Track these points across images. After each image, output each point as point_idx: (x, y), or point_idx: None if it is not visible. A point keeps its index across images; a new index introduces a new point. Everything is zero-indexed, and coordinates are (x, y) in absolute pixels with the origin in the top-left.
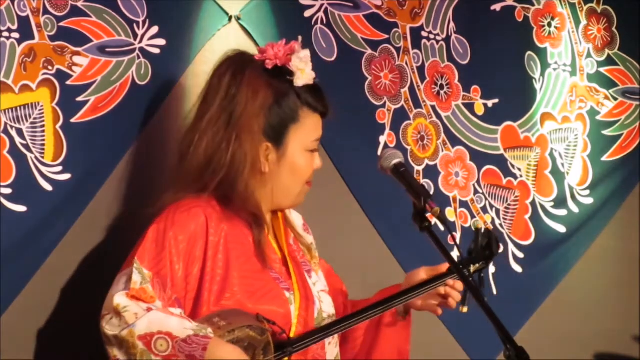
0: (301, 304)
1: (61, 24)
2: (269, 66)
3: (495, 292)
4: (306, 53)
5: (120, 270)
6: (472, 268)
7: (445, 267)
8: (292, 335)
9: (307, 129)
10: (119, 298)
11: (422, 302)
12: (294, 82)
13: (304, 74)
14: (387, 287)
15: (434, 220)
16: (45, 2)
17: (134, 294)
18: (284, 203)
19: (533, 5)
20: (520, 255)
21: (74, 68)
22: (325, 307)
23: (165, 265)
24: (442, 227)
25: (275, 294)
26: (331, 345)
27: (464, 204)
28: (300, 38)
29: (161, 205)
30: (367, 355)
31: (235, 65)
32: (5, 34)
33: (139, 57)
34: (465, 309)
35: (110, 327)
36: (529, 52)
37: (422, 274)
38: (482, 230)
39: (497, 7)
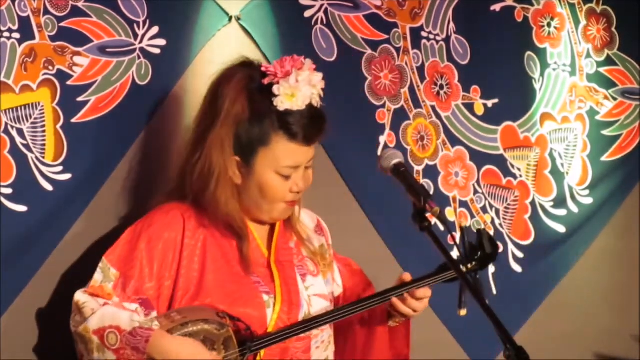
0: (282, 307)
1: (62, 24)
2: (266, 81)
3: (495, 292)
4: (306, 76)
5: None
6: (463, 269)
7: (407, 277)
8: None
9: (278, 155)
10: (79, 295)
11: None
12: (275, 105)
13: (291, 98)
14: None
15: (433, 220)
16: (46, 2)
17: (92, 291)
18: (261, 216)
19: (532, 5)
20: (520, 255)
21: (74, 68)
22: (315, 312)
23: (134, 266)
24: (442, 227)
25: (250, 296)
26: (319, 350)
27: (463, 204)
28: (310, 60)
29: (148, 209)
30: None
31: (228, 72)
32: (6, 34)
33: (139, 57)
34: (463, 312)
35: (74, 324)
36: (529, 52)
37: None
38: (467, 230)
39: (496, 7)
